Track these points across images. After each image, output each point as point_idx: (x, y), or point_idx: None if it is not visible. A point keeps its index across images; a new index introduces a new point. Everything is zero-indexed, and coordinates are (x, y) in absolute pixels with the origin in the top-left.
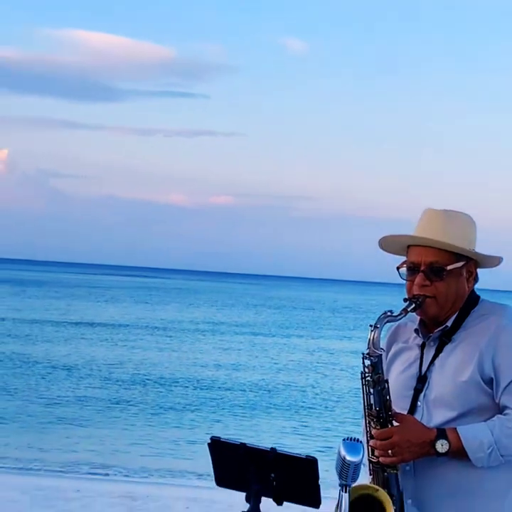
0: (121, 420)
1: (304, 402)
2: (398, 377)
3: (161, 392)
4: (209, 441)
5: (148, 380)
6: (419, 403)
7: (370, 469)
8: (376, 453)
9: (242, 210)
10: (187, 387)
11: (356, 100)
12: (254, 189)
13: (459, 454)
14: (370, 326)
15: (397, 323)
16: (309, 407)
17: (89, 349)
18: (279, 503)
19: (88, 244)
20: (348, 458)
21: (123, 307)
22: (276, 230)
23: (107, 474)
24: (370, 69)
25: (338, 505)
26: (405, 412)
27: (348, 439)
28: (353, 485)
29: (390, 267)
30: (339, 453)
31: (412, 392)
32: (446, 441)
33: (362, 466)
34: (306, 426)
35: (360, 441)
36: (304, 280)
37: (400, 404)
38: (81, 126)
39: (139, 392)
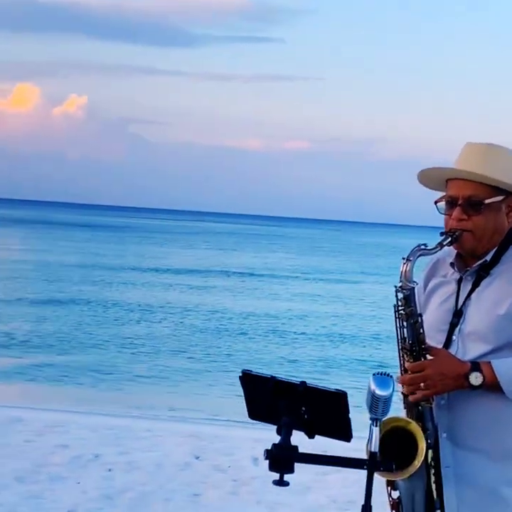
0: (193, 364)
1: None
2: (435, 312)
3: (233, 338)
4: (240, 374)
5: (221, 325)
6: (454, 337)
7: (404, 403)
8: (409, 387)
9: (319, 155)
10: (259, 335)
11: (438, 42)
12: (330, 133)
13: (493, 387)
14: (403, 258)
15: (436, 257)
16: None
17: (164, 294)
18: (311, 436)
19: (165, 190)
20: (378, 392)
21: (198, 252)
22: (353, 175)
23: (176, 416)
24: (460, 7)
25: (369, 439)
26: (441, 346)
27: (378, 374)
28: (385, 418)
29: None
30: (369, 387)
31: (447, 326)
32: (480, 374)
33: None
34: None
35: (391, 376)
36: (384, 226)
37: (435, 338)
38: (159, 73)
39: (211, 338)
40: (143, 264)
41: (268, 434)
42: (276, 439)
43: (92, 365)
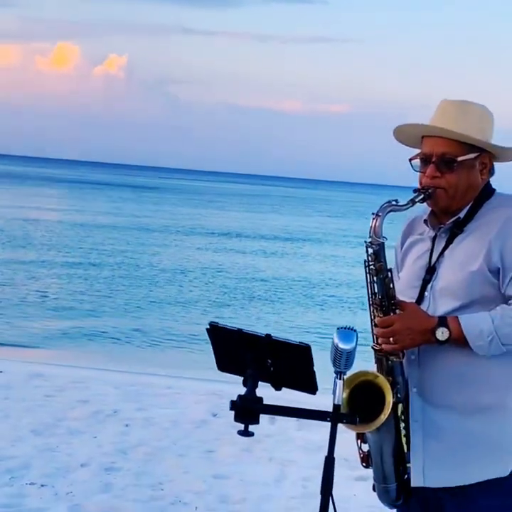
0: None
1: None
2: (409, 268)
3: (263, 301)
4: (207, 326)
5: (253, 284)
6: (426, 293)
7: (375, 358)
8: (379, 340)
9: (359, 118)
10: (288, 298)
11: (484, 8)
12: (371, 97)
13: (459, 341)
14: (373, 214)
15: (413, 215)
16: None
17: (197, 255)
18: (278, 388)
19: (201, 151)
20: (341, 346)
21: (234, 215)
22: (394, 139)
23: (198, 375)
24: None
25: (333, 392)
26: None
27: (342, 328)
28: (355, 372)
29: None
30: (333, 341)
31: (420, 282)
32: (446, 329)
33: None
34: None
35: (355, 330)
36: None
37: (409, 295)
38: (197, 33)
39: (242, 297)
40: (179, 224)
41: (289, 395)
42: (303, 399)
43: (121, 325)
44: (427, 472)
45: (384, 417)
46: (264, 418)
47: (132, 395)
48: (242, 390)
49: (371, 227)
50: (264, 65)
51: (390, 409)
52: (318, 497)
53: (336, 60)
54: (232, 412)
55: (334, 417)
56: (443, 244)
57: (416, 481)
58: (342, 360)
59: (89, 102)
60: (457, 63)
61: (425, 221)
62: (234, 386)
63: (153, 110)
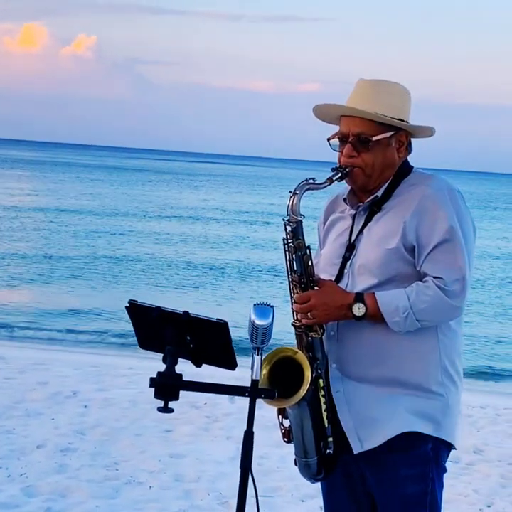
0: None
1: None
2: (330, 246)
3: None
4: (127, 304)
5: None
6: (346, 270)
7: (295, 334)
8: (298, 316)
9: (330, 97)
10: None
11: None
12: (342, 76)
13: (375, 317)
14: (290, 192)
15: (335, 193)
16: None
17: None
18: (198, 365)
19: (173, 131)
20: (257, 322)
21: (203, 193)
22: None
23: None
24: None
25: (251, 367)
26: (333, 279)
27: (258, 304)
28: (275, 348)
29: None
30: (249, 317)
31: (340, 260)
32: (363, 305)
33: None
34: None
35: (271, 306)
36: None
37: (330, 272)
38: (167, 12)
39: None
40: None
41: (247, 373)
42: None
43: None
44: (362, 439)
45: (303, 391)
46: (224, 397)
47: (93, 375)
48: (202, 372)
49: (289, 205)
50: (235, 45)
51: (308, 385)
52: (272, 474)
53: (307, 39)
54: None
55: (252, 392)
56: (362, 222)
57: (356, 448)
58: (258, 335)
59: (58, 82)
60: (430, 41)
61: (345, 199)
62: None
63: (122, 90)
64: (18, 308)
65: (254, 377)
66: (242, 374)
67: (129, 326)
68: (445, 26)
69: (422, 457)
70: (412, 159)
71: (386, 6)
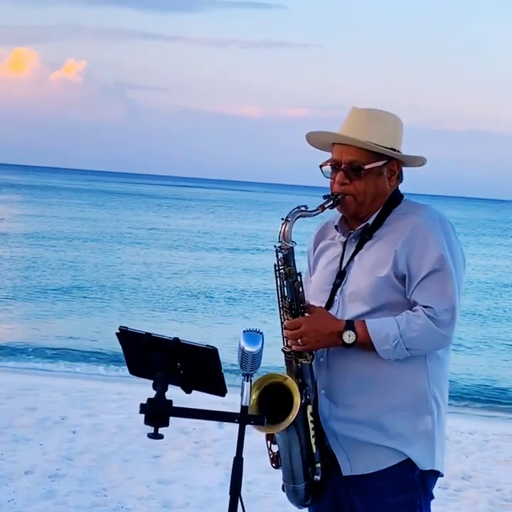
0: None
1: None
2: (321, 273)
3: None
4: (117, 331)
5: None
6: (336, 297)
7: (284, 360)
8: (288, 343)
9: (318, 122)
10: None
11: (437, 17)
12: (330, 101)
13: (365, 345)
14: (282, 219)
15: (326, 220)
16: None
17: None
18: (188, 391)
19: (161, 156)
20: (247, 348)
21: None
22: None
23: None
24: None
25: (241, 393)
26: (324, 306)
27: (248, 331)
28: (265, 374)
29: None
30: (239, 344)
31: (331, 286)
32: (353, 333)
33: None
34: None
35: (261, 333)
36: None
37: (320, 298)
38: (157, 37)
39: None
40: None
41: (237, 398)
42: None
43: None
44: (352, 462)
45: (292, 417)
46: (213, 422)
47: (80, 401)
48: (191, 396)
49: (280, 232)
50: (223, 70)
51: (297, 411)
52: (261, 500)
53: (295, 65)
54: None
55: (242, 418)
56: (353, 249)
57: (345, 470)
58: (248, 362)
59: (47, 107)
60: (416, 69)
61: (336, 226)
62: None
63: (112, 116)
64: (7, 332)
65: (243, 404)
66: (230, 399)
67: (117, 351)
68: (438, 53)
69: (409, 484)
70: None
71: (375, 32)
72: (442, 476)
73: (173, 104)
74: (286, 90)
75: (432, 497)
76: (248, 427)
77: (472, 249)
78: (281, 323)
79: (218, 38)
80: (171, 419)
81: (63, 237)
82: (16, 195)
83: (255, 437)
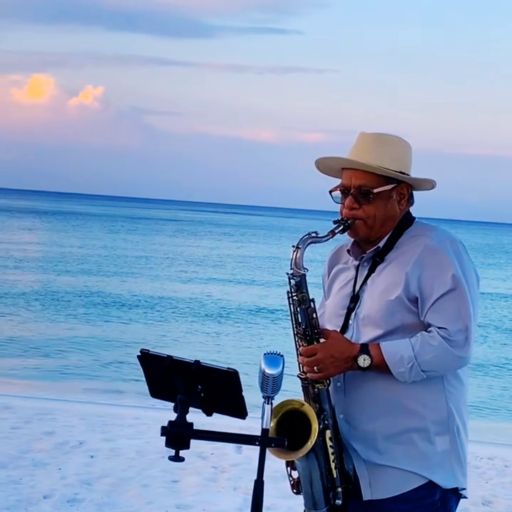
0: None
1: None
2: (335, 297)
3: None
4: (139, 353)
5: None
6: (350, 321)
7: (301, 386)
8: (304, 369)
9: (333, 147)
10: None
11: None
12: (345, 126)
13: (381, 368)
14: (293, 246)
15: (339, 245)
16: None
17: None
18: (209, 414)
19: (178, 181)
20: (268, 371)
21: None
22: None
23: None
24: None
25: (262, 416)
26: (338, 330)
27: (269, 353)
28: (281, 401)
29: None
30: (260, 366)
31: (345, 311)
32: (368, 356)
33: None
34: None
35: (281, 356)
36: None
37: (334, 323)
38: (174, 64)
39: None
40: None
41: (255, 423)
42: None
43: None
44: (373, 486)
45: (310, 444)
46: (231, 447)
47: (98, 425)
48: (208, 421)
49: (292, 259)
50: (240, 96)
51: (316, 437)
52: None
53: (311, 90)
54: (199, 442)
55: (263, 440)
56: (365, 272)
57: (366, 495)
58: (269, 385)
59: (65, 132)
60: (432, 94)
61: (348, 251)
62: (202, 416)
63: (129, 141)
64: (24, 356)
65: (264, 427)
66: (247, 423)
67: (134, 376)
68: (451, 77)
69: (430, 508)
70: (417, 209)
71: (390, 58)
72: (466, 498)
73: (191, 129)
74: (301, 115)
75: None
76: (267, 454)
77: None
78: (297, 349)
79: (234, 63)
80: (189, 444)
81: (77, 262)
82: (35, 221)
83: (274, 463)
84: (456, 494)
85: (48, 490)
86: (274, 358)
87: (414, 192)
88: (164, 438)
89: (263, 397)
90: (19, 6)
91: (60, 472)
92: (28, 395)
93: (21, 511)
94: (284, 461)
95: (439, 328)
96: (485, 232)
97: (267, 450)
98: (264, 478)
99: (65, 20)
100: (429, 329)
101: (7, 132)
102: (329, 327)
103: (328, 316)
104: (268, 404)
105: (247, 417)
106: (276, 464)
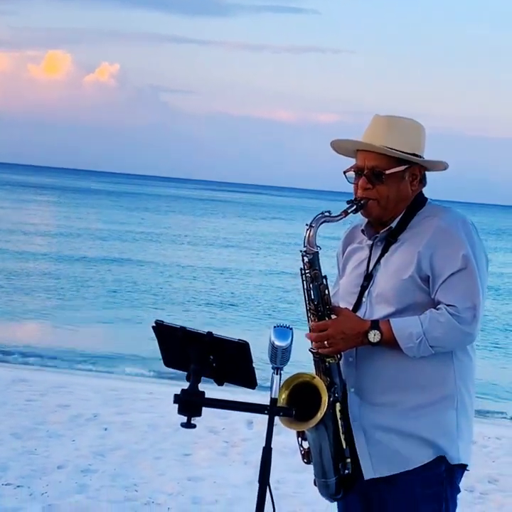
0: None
1: None
2: (349, 276)
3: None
4: (153, 324)
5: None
6: (363, 299)
7: (313, 360)
8: (314, 345)
9: (348, 128)
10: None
11: (469, 20)
12: (360, 107)
13: (390, 343)
14: (306, 224)
15: (354, 224)
16: None
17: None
18: (220, 383)
19: (196, 161)
20: (277, 343)
21: (230, 222)
22: None
23: (179, 379)
24: None
25: (271, 386)
26: (351, 308)
27: (278, 326)
28: (293, 374)
29: None
30: (270, 338)
31: (358, 289)
32: (378, 332)
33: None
34: None
35: (291, 328)
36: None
37: (347, 300)
38: (190, 41)
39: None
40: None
41: (264, 399)
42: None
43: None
44: (375, 465)
45: (320, 415)
46: (242, 422)
47: (113, 399)
48: (220, 396)
49: (305, 237)
50: (256, 75)
51: (326, 408)
52: (288, 499)
53: (327, 70)
54: (211, 417)
55: (271, 410)
56: (379, 252)
57: (367, 473)
58: (278, 356)
59: (81, 109)
60: (449, 76)
61: (363, 230)
62: (215, 392)
63: (145, 118)
64: (40, 336)
65: (273, 396)
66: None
67: (146, 352)
68: (466, 60)
69: (436, 478)
70: (430, 191)
71: (406, 39)
72: (468, 470)
73: (206, 107)
74: (318, 96)
75: (459, 490)
76: (279, 426)
77: None
78: (309, 325)
79: (250, 42)
80: (201, 418)
81: (98, 237)
82: (52, 196)
83: (284, 438)
84: (461, 468)
85: (62, 460)
86: (283, 330)
87: (429, 173)
88: (177, 406)
89: (272, 368)
90: None
91: (74, 443)
92: (44, 368)
93: (36, 480)
94: (294, 436)
95: (448, 305)
96: None
97: (281, 422)
98: (273, 453)
99: None
100: (438, 306)
101: (23, 107)
102: (343, 305)
103: (342, 293)
104: (277, 374)
105: (256, 388)
106: (286, 439)
